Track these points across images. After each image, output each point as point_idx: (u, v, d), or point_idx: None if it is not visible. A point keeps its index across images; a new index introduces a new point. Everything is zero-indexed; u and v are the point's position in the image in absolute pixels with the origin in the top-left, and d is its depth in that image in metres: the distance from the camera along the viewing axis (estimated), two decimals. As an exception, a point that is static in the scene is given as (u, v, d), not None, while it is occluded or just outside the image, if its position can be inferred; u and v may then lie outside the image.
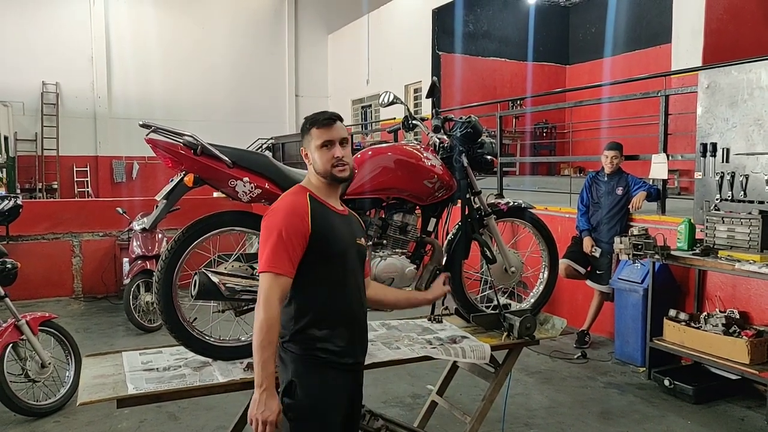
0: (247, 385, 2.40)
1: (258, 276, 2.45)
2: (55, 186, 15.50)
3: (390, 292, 2.49)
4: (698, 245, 4.40)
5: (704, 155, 4.60)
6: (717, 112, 4.56)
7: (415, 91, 14.15)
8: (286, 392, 1.99)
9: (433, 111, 3.05)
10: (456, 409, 3.21)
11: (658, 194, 5.23)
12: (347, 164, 2.06)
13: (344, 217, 2.13)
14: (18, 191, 13.70)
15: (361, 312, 2.16)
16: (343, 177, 2.06)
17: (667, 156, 5.18)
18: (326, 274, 2.02)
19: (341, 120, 2.10)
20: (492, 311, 3.04)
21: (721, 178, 4.45)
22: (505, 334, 2.89)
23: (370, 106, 16.43)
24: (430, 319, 3.17)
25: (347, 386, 2.09)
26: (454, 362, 3.24)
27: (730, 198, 4.39)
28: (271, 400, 1.87)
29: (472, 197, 2.95)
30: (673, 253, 4.41)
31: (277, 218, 1.96)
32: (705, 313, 4.46)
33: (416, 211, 2.88)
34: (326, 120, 2.05)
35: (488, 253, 2.95)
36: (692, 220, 4.54)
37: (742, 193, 4.32)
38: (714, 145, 4.54)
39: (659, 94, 5.27)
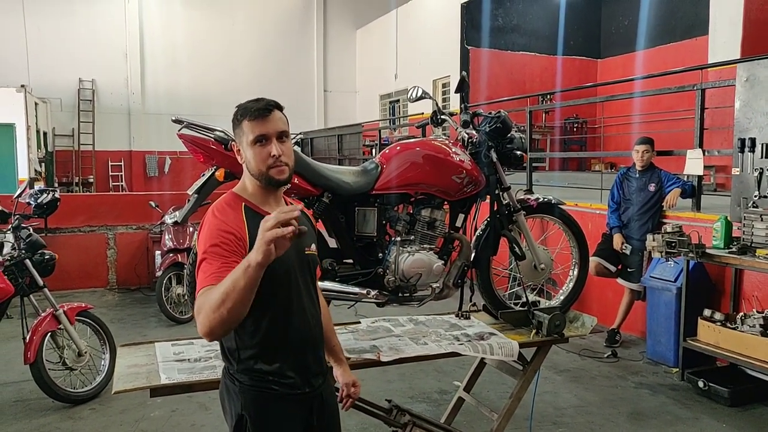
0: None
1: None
2: (91, 180, 15.94)
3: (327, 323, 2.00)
4: (735, 243, 4.28)
5: (742, 151, 4.46)
6: (756, 105, 4.42)
7: (444, 86, 14.07)
8: (237, 428, 1.71)
9: (462, 106, 3.03)
10: (483, 406, 3.19)
11: (693, 191, 5.09)
12: (286, 164, 1.68)
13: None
14: (56, 185, 14.13)
15: (315, 330, 1.81)
16: (281, 180, 1.68)
17: (703, 152, 5.04)
18: (269, 300, 1.64)
19: (281, 109, 1.75)
20: (521, 308, 3.01)
21: (760, 174, 4.31)
22: (534, 331, 2.86)
23: (398, 101, 16.40)
24: (458, 315, 3.16)
25: (304, 414, 1.78)
26: (482, 359, 3.22)
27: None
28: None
29: (501, 193, 2.93)
30: (708, 251, 4.30)
31: (204, 237, 1.62)
32: (741, 314, 4.33)
33: (444, 207, 2.87)
34: (261, 110, 1.69)
35: (517, 249, 2.92)
36: (729, 218, 4.42)
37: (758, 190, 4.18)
38: (753, 140, 4.40)
39: (695, 88, 5.13)
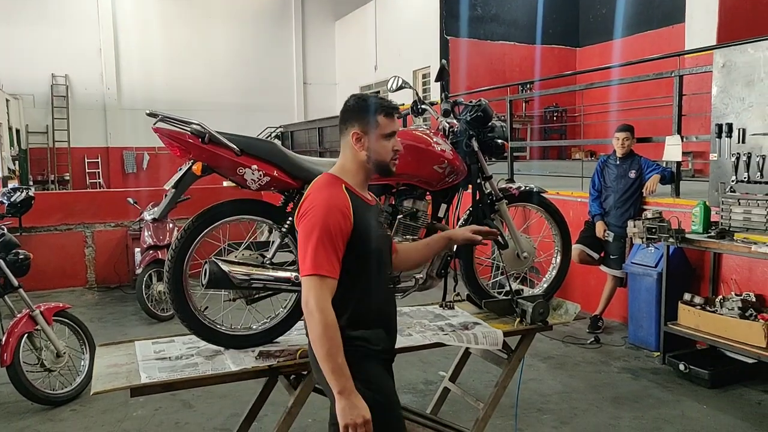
0: (259, 373, 2.40)
1: (268, 266, 2.47)
2: (67, 177, 15.64)
3: (412, 249, 2.30)
4: (713, 228, 4.33)
5: (719, 136, 4.51)
6: (733, 91, 4.47)
7: (424, 76, 14.04)
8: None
9: (443, 95, 3.00)
10: (469, 396, 3.20)
11: (672, 177, 5.15)
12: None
13: (374, 208, 2.01)
14: (30, 183, 13.83)
15: (393, 307, 2.09)
16: (394, 171, 2.02)
17: (681, 138, 5.09)
18: (361, 273, 1.89)
19: None
20: (504, 297, 3.01)
21: (737, 159, 4.37)
22: (518, 319, 2.87)
23: (379, 92, 16.33)
24: (441, 306, 3.15)
25: (390, 373, 2.04)
26: (467, 349, 3.22)
27: (746, 179, 4.31)
28: (357, 400, 1.76)
29: (483, 182, 2.91)
30: (687, 236, 4.35)
31: (317, 214, 1.81)
32: (720, 297, 4.40)
33: (426, 197, 2.85)
34: (395, 109, 1.94)
35: (500, 238, 2.92)
36: (707, 203, 4.47)
37: (759, 174, 4.24)
38: (730, 126, 4.45)
39: (673, 75, 5.17)
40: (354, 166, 1.95)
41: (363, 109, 1.92)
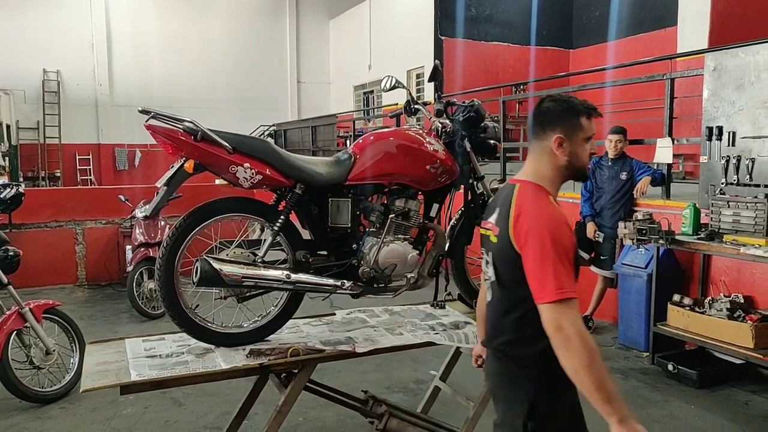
0: (250, 371, 2.40)
1: (260, 264, 2.47)
2: (58, 174, 15.52)
3: None
4: (703, 230, 4.37)
5: (710, 139, 4.55)
6: (723, 95, 4.51)
7: (418, 76, 14.05)
8: (531, 415, 1.77)
9: (436, 95, 3.01)
10: (459, 395, 3.21)
11: (662, 179, 5.18)
12: None
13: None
14: (21, 179, 13.72)
15: None
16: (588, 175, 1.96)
17: (672, 140, 5.13)
18: None
19: None
20: (495, 297, 3.02)
21: (727, 161, 4.41)
22: (509, 319, 2.88)
23: (372, 91, 16.33)
24: (433, 305, 3.16)
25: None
26: (457, 348, 3.23)
27: (735, 182, 4.35)
28: (637, 424, 1.58)
29: (475, 182, 2.92)
30: (677, 237, 4.39)
31: (548, 232, 1.68)
32: (709, 298, 4.44)
33: (419, 197, 2.86)
34: (597, 111, 1.86)
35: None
36: (697, 205, 4.51)
37: (748, 176, 4.28)
38: (720, 129, 4.49)
39: (665, 78, 5.21)
40: (551, 172, 1.84)
41: (567, 112, 1.82)
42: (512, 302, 1.79)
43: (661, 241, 4.39)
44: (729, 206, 4.20)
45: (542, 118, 1.84)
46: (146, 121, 2.36)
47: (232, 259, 2.44)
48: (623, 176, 5.17)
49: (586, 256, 5.36)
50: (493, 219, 1.86)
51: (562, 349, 1.61)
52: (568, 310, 1.61)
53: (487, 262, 1.91)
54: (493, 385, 1.97)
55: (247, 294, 2.55)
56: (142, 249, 6.12)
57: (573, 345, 1.59)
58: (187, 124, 2.36)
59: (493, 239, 1.84)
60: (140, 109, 2.33)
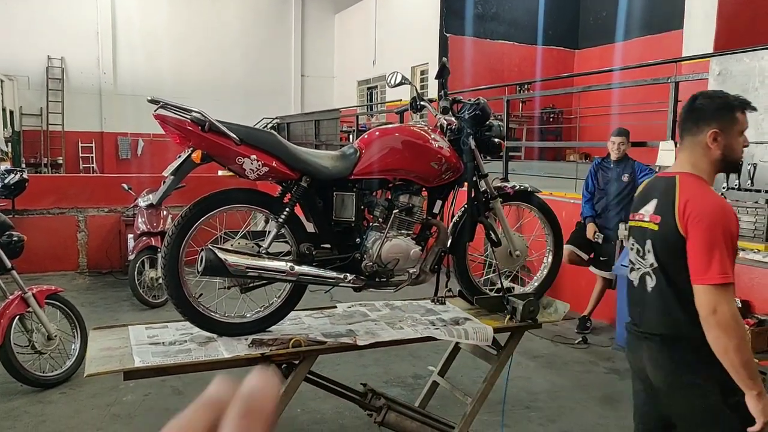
0: (251, 361, 2.42)
1: (264, 255, 2.49)
2: (61, 161, 15.54)
3: None
4: (703, 233, 4.39)
5: (713, 143, 4.56)
6: (727, 99, 4.51)
7: (422, 73, 14.05)
8: (727, 391, 1.85)
9: (442, 92, 3.02)
10: (457, 390, 3.24)
11: (664, 181, 5.19)
12: None
13: None
14: (23, 165, 13.74)
15: None
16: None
17: (675, 143, 5.14)
18: None
19: None
20: (495, 294, 3.05)
21: (729, 166, 4.42)
22: (508, 317, 2.90)
23: (376, 87, 16.33)
24: (433, 301, 3.18)
25: None
26: (456, 344, 3.26)
27: (737, 186, 4.37)
28: None
29: (478, 180, 2.94)
30: (677, 240, 4.40)
31: (719, 219, 1.81)
32: (707, 301, 4.46)
33: (422, 193, 2.88)
34: (752, 106, 1.94)
35: (493, 236, 2.95)
36: (698, 208, 4.52)
37: (749, 181, 4.30)
38: (723, 133, 4.50)
39: (669, 81, 5.22)
40: (707, 165, 1.94)
41: (723, 107, 1.91)
42: (679, 287, 1.90)
43: (661, 244, 4.41)
44: (730, 210, 4.22)
45: (697, 114, 1.93)
46: (155, 111, 2.37)
47: (237, 250, 2.46)
48: (625, 178, 5.18)
49: (585, 256, 5.38)
50: (650, 209, 1.97)
51: (715, 330, 1.77)
52: (727, 294, 1.78)
53: (640, 251, 2.01)
54: (666, 373, 1.99)
55: (251, 284, 2.57)
56: (144, 238, 6.15)
57: (729, 328, 1.75)
58: (195, 114, 2.37)
59: (653, 227, 1.94)
60: (149, 98, 2.34)
